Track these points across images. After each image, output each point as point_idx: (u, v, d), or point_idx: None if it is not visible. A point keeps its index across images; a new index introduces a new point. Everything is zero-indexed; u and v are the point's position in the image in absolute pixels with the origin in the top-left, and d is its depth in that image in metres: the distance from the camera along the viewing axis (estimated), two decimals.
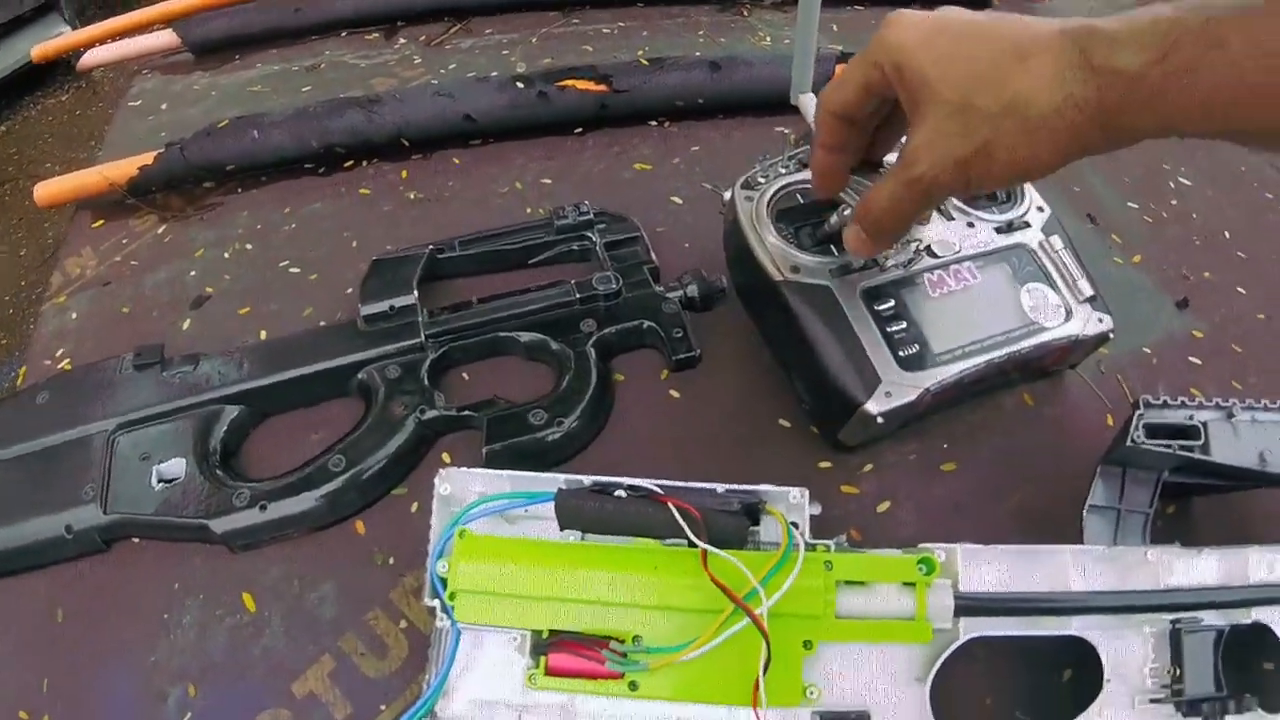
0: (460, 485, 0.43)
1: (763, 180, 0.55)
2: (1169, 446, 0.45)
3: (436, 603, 0.41)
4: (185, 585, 0.50)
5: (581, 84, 0.76)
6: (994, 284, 0.53)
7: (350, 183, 0.75)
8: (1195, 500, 0.53)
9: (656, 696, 0.39)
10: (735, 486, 0.43)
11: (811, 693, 0.39)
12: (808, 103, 0.71)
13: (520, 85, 0.76)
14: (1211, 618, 0.41)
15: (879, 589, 0.40)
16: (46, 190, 0.74)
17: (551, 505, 0.42)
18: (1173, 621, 0.41)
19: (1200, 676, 0.40)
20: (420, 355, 0.57)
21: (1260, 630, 0.41)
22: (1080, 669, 0.44)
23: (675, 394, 0.58)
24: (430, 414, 0.54)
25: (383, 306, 0.58)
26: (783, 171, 0.56)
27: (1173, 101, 0.32)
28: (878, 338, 0.50)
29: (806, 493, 0.43)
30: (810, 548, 0.41)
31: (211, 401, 0.55)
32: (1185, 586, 0.41)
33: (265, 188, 0.75)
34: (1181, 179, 0.81)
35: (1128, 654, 0.41)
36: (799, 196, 0.55)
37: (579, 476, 0.43)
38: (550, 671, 0.39)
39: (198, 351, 0.58)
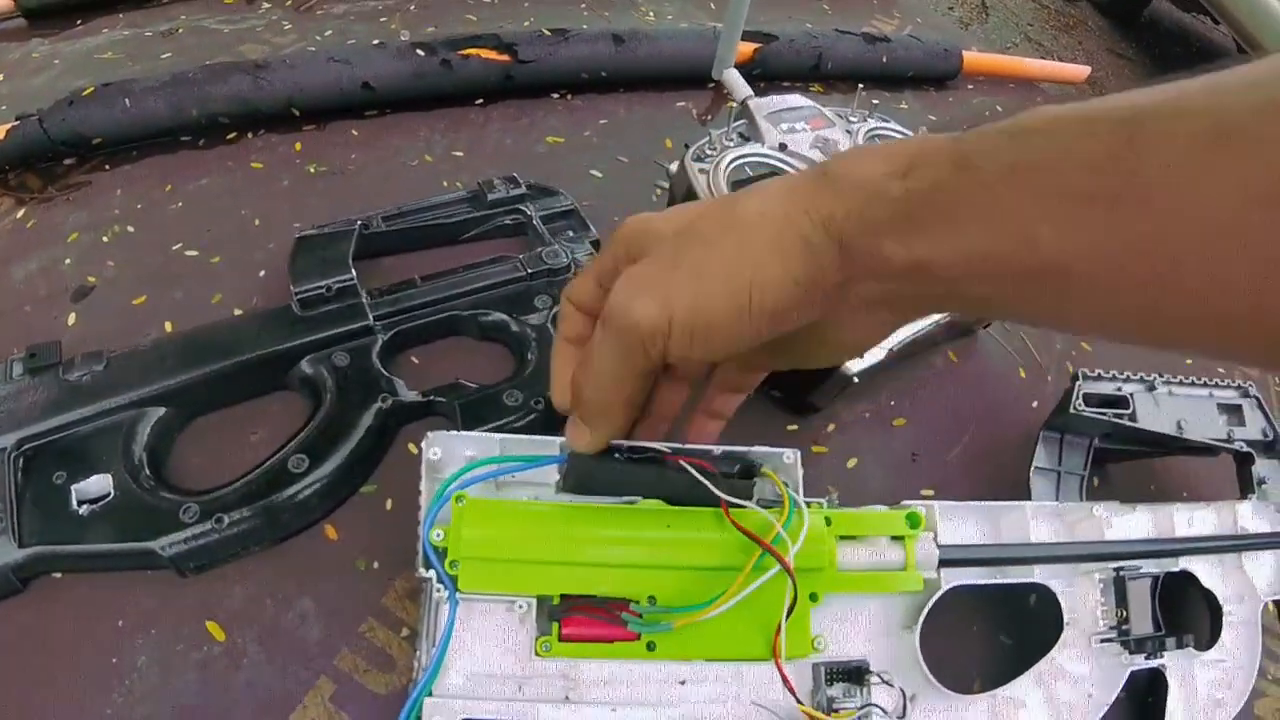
0: (450, 449, 0.40)
1: (711, 152, 0.56)
2: (1103, 414, 0.52)
3: (432, 574, 0.37)
4: (131, 621, 0.43)
5: (486, 53, 0.73)
6: None
7: (238, 156, 0.68)
8: (1111, 467, 0.60)
9: (674, 656, 0.38)
10: (731, 448, 0.43)
11: (819, 643, 0.40)
12: (731, 78, 0.74)
13: (422, 53, 0.72)
14: (1148, 566, 0.45)
15: (871, 542, 0.42)
16: None
17: (542, 469, 0.40)
18: (1116, 569, 0.45)
19: (1141, 617, 0.44)
20: (368, 339, 0.53)
21: (1187, 577, 0.47)
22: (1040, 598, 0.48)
23: None
24: (392, 402, 0.51)
25: (319, 288, 0.54)
26: (728, 144, 0.57)
27: (922, 224, 0.27)
28: None
29: (798, 454, 0.44)
30: (807, 505, 0.42)
31: (130, 405, 0.49)
32: (1124, 539, 0.45)
33: (138, 163, 0.66)
34: None
35: (1082, 599, 0.45)
36: (747, 169, 0.56)
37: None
38: (564, 638, 0.37)
39: (95, 349, 0.51)
